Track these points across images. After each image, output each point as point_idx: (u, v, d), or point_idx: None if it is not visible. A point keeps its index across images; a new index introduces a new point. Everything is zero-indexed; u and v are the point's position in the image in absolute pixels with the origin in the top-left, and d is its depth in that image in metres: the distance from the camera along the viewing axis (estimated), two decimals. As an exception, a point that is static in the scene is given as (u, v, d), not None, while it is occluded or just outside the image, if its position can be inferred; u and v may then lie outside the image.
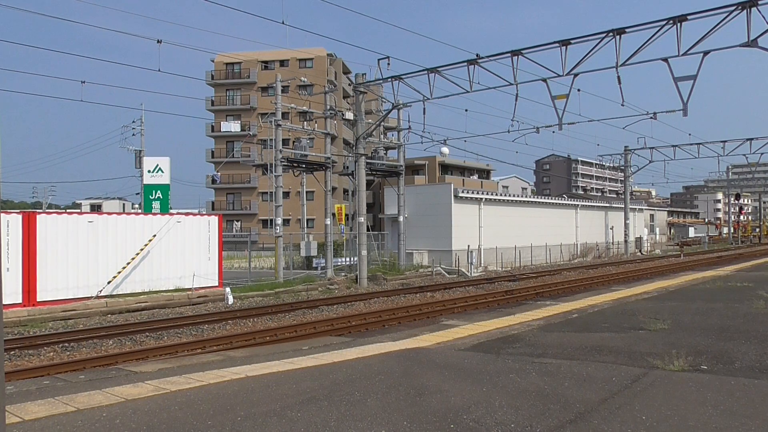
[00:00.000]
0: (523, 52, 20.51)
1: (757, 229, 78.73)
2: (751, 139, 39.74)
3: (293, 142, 31.33)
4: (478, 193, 38.07)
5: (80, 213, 22.32)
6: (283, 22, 20.52)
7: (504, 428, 4.32)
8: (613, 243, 51.70)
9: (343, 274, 28.99)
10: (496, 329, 8.99)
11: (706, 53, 17.97)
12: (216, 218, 23.89)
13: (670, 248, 61.14)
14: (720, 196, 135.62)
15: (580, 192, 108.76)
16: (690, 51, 17.90)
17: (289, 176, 34.98)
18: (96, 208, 67.20)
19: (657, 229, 75.66)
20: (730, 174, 72.41)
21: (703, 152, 43.21)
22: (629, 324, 9.13)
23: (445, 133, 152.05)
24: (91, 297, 18.98)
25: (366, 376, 5.93)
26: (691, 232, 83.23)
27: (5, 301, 16.25)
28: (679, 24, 17.69)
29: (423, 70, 23.00)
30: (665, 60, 18.51)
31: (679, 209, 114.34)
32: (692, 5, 22.83)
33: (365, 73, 27.03)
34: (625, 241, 50.07)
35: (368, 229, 29.67)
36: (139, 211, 36.48)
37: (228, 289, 20.87)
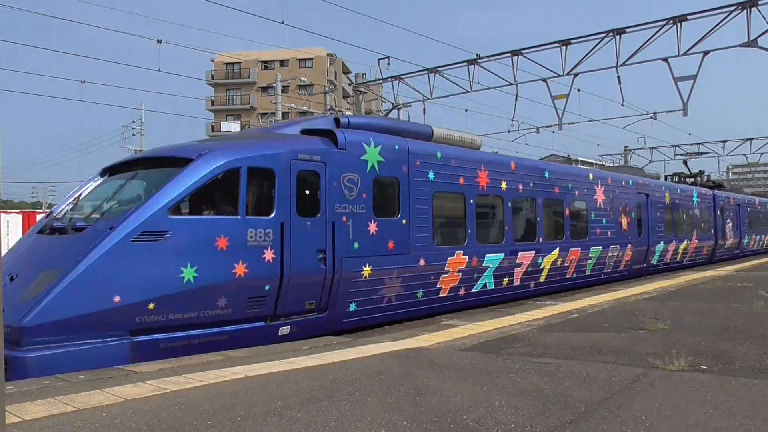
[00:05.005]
0: (523, 52, 20.54)
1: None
2: (751, 139, 39.75)
3: (293, 142, 31.31)
4: (478, 193, 37.95)
5: (80, 213, 22.30)
6: (283, 22, 20.59)
7: (504, 428, 4.32)
8: (613, 243, 51.63)
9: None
10: (496, 329, 8.98)
11: (706, 53, 18.00)
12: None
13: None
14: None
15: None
16: (690, 51, 17.94)
17: (289, 176, 34.88)
18: (96, 208, 67.15)
19: (657, 229, 75.54)
20: (730, 174, 72.38)
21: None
22: (629, 324, 9.12)
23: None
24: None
25: (366, 376, 5.92)
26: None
27: (5, 301, 16.21)
28: (679, 24, 17.72)
29: (423, 70, 23.03)
30: (665, 60, 18.53)
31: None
32: (692, 5, 22.84)
33: (365, 73, 27.13)
34: (625, 241, 50.04)
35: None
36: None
37: (228, 289, 20.83)
